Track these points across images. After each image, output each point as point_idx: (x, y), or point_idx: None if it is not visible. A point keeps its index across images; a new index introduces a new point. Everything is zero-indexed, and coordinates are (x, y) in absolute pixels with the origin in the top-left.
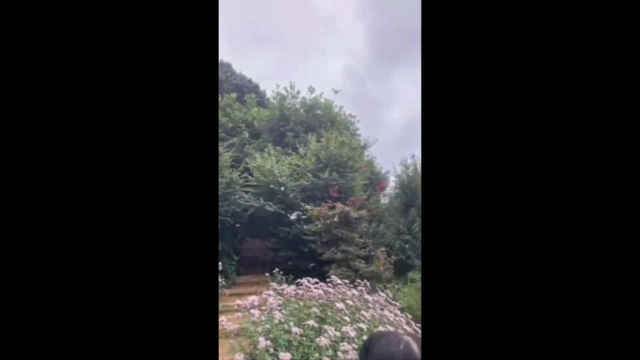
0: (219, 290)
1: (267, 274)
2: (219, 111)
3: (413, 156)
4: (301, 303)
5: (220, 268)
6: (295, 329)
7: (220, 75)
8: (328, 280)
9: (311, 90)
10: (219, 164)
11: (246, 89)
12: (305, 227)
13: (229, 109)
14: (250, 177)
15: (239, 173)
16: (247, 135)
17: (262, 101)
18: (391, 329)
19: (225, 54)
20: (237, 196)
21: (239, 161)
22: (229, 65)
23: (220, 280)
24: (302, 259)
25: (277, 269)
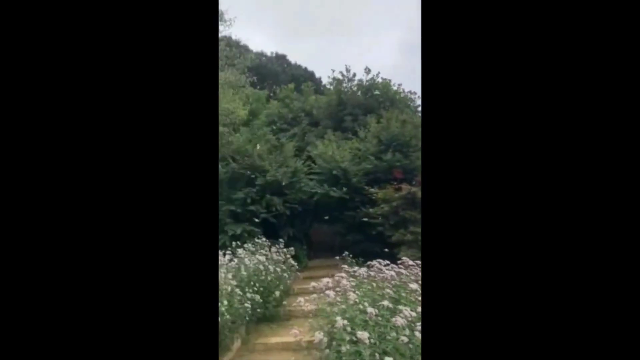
0: (293, 274)
1: (337, 257)
2: (278, 102)
3: None
4: (374, 284)
5: (292, 253)
6: (370, 309)
7: (277, 67)
8: (399, 262)
9: (367, 71)
10: (283, 154)
11: (302, 78)
12: (371, 210)
13: (288, 100)
14: (313, 164)
15: (302, 161)
16: (307, 123)
17: (318, 88)
18: None
19: (278, 45)
20: (302, 184)
21: (302, 150)
22: (284, 57)
23: (293, 264)
24: (370, 241)
25: (346, 252)
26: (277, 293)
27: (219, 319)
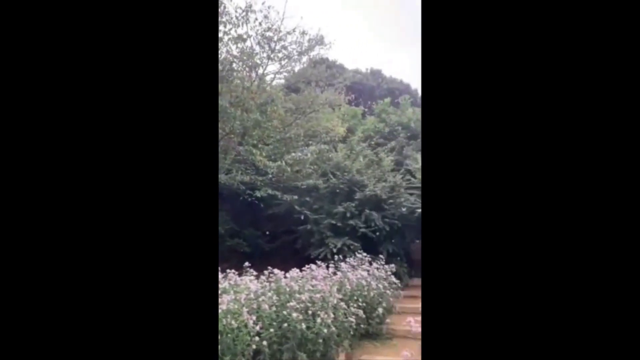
0: (396, 292)
1: None
2: (374, 118)
3: None
4: None
5: (393, 270)
6: None
7: (372, 82)
8: None
9: None
10: (381, 168)
11: (398, 91)
12: None
13: (384, 114)
14: (413, 179)
15: (402, 176)
16: (404, 137)
17: (415, 101)
18: None
19: (371, 60)
20: (402, 199)
21: (400, 164)
22: (379, 72)
23: (395, 281)
24: None
25: None
26: (380, 310)
27: (325, 330)
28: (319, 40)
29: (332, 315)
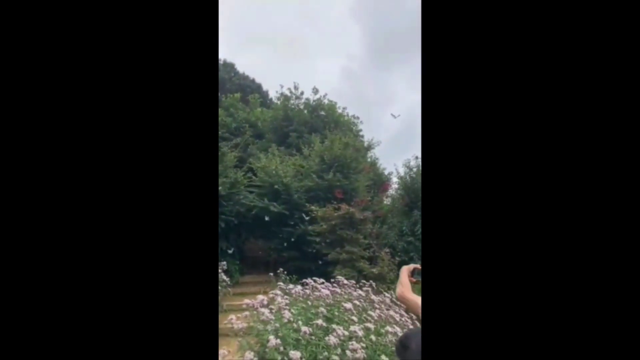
0: (224, 289)
1: (271, 274)
2: (223, 111)
3: (416, 158)
4: (309, 303)
5: (225, 267)
6: (304, 328)
7: (223, 74)
8: (332, 280)
9: (315, 91)
10: (223, 163)
11: (249, 89)
12: (310, 227)
13: (233, 109)
14: (254, 177)
15: (243, 173)
16: (250, 135)
17: (264, 101)
18: (410, 328)
19: (225, 53)
20: (241, 196)
21: (243, 161)
22: (232, 65)
23: (225, 279)
24: (305, 259)
25: (280, 269)
26: None
27: None
28: None
29: None
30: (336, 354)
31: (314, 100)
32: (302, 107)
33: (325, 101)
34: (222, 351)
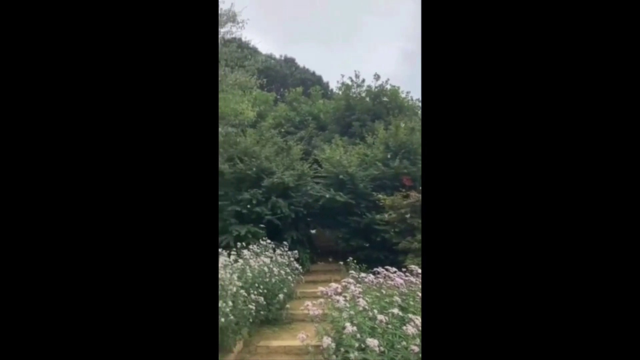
0: (297, 277)
1: (341, 263)
2: (286, 105)
3: None
4: (383, 291)
5: (296, 256)
6: (380, 317)
7: (285, 70)
8: (404, 270)
9: (376, 77)
10: (290, 157)
11: (310, 82)
12: (377, 216)
13: (296, 103)
14: (319, 168)
15: (309, 165)
16: (314, 127)
17: (326, 93)
18: None
19: (284, 49)
20: (308, 187)
21: (308, 154)
22: (292, 60)
23: (297, 266)
24: (373, 248)
25: (350, 258)
26: (281, 296)
27: (223, 319)
28: (231, 17)
29: (230, 304)
30: (415, 345)
31: (375, 87)
32: (363, 94)
33: (388, 87)
34: (301, 335)
